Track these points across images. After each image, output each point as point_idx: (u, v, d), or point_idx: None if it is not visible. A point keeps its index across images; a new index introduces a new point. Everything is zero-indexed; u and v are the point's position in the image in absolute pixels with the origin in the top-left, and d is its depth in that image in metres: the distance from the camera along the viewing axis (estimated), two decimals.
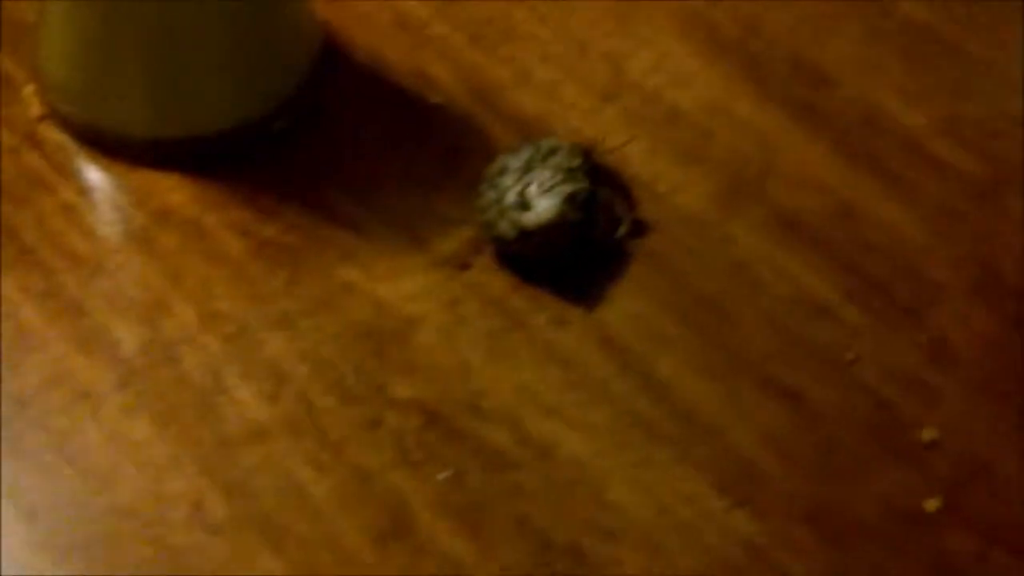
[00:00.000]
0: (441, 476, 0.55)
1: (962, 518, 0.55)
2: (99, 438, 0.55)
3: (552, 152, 0.61)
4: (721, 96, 0.67)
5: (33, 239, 0.60)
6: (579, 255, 0.61)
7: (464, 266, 0.61)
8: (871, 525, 0.55)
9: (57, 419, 0.56)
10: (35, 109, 0.64)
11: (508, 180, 0.60)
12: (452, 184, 0.63)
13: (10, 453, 0.55)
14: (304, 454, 0.55)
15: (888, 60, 0.69)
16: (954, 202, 0.64)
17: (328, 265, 0.60)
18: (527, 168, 0.60)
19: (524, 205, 0.60)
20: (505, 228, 0.60)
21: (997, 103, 0.67)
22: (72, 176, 0.62)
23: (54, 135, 0.64)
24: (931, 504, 0.55)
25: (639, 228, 0.62)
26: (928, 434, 0.57)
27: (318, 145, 0.64)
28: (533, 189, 0.60)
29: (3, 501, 0.54)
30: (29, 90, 0.65)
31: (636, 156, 0.64)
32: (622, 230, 0.62)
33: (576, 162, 0.61)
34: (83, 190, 0.62)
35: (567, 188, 0.60)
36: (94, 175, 0.63)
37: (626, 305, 0.60)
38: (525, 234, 0.60)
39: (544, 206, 0.60)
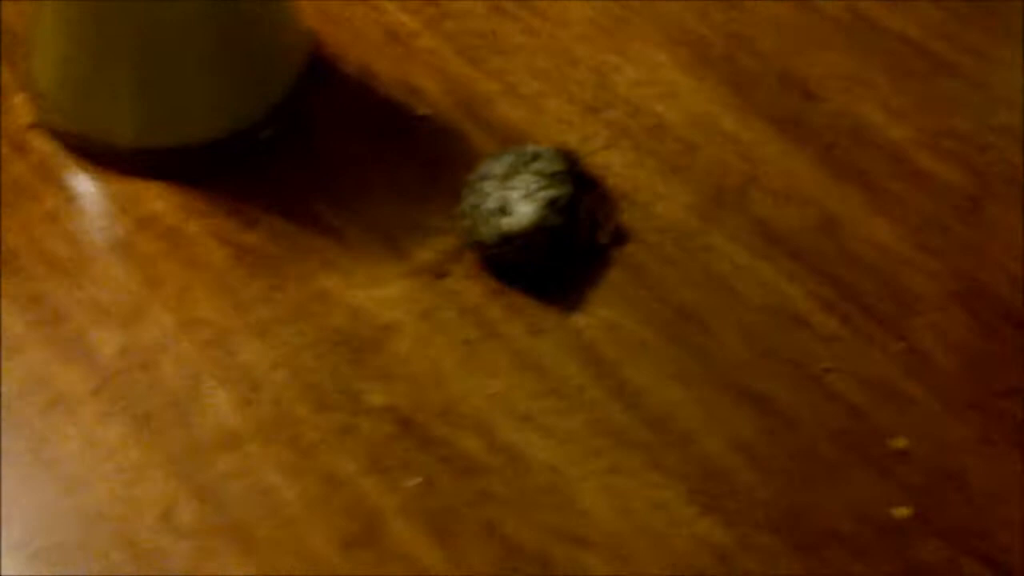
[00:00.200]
0: (411, 483, 0.55)
1: (932, 526, 0.55)
2: (75, 443, 0.56)
3: (534, 158, 0.61)
4: (707, 109, 0.67)
5: (16, 245, 0.61)
6: (560, 261, 0.61)
7: (442, 275, 0.61)
8: (842, 533, 0.54)
9: (34, 423, 0.56)
10: (25, 117, 0.65)
11: (490, 185, 0.60)
12: (435, 194, 0.63)
13: None
14: (276, 460, 0.55)
15: (874, 75, 0.69)
16: (938, 215, 0.64)
17: (308, 273, 0.61)
18: (509, 174, 0.60)
19: (505, 210, 0.60)
20: (486, 233, 0.60)
21: (982, 117, 0.67)
22: (58, 184, 0.63)
23: (43, 143, 0.64)
24: (902, 512, 0.55)
25: (620, 235, 0.62)
26: (899, 443, 0.56)
27: (304, 154, 0.65)
28: (515, 194, 0.60)
29: None
30: (19, 99, 0.65)
31: (619, 166, 0.64)
32: (603, 236, 0.62)
33: (558, 168, 0.61)
34: (69, 198, 0.63)
35: (549, 193, 0.60)
36: (80, 183, 0.63)
37: (603, 313, 0.60)
38: (506, 239, 0.60)
39: (525, 211, 0.59)
